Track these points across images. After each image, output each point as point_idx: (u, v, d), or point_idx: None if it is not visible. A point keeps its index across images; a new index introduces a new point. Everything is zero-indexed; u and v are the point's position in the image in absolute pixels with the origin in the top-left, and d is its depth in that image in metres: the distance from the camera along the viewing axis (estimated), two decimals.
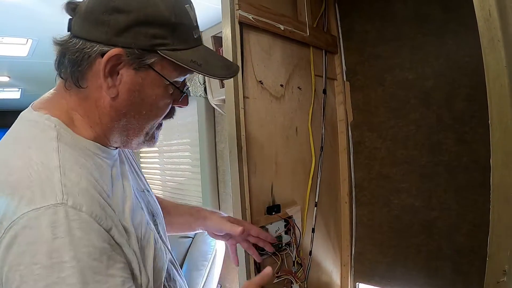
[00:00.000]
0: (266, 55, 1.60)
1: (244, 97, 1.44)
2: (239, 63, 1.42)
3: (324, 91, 1.92)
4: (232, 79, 1.38)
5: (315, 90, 1.85)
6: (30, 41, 2.48)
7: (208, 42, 2.54)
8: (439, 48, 1.80)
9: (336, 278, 1.99)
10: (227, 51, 1.42)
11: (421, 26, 1.84)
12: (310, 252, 1.76)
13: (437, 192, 1.79)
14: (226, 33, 1.43)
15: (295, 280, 1.56)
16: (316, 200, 1.81)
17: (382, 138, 1.99)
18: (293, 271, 1.59)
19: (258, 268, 1.47)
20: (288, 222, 1.63)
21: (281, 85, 1.66)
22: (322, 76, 1.93)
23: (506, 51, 0.84)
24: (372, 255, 2.01)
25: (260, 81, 1.55)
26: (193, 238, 2.86)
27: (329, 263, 1.94)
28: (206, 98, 2.83)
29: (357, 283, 2.07)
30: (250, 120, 1.47)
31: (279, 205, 1.60)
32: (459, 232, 1.72)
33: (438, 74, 1.82)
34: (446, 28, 1.76)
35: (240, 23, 1.44)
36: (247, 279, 1.46)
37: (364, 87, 2.05)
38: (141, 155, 4.27)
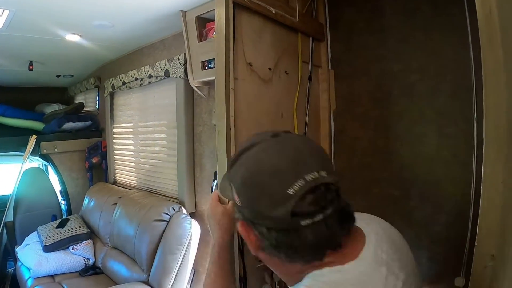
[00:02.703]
0: (257, 37, 1.58)
1: (234, 78, 1.43)
2: (231, 43, 1.40)
3: (310, 78, 1.92)
4: (222, 58, 1.37)
5: (301, 76, 1.85)
6: (6, 12, 2.36)
7: (191, 23, 2.50)
8: (426, 42, 1.82)
9: None
10: (219, 31, 1.39)
11: (409, 20, 1.86)
12: None
13: (417, 183, 1.83)
14: (220, 13, 1.40)
15: None
16: None
17: (364, 128, 2.02)
18: None
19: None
20: None
21: (269, 69, 1.65)
22: (308, 63, 1.93)
23: (503, 48, 0.86)
24: None
25: (249, 63, 1.53)
26: (168, 221, 2.83)
27: None
28: (186, 80, 2.78)
29: None
30: (239, 102, 1.45)
31: None
32: (437, 222, 1.76)
33: (423, 68, 1.85)
34: (434, 23, 1.79)
35: (234, 3, 1.42)
36: None
37: (349, 76, 2.07)
38: (114, 136, 4.19)
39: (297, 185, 0.75)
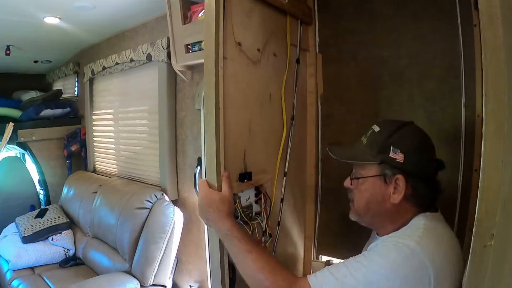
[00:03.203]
0: (246, 17, 1.53)
1: (223, 57, 1.38)
2: (221, 20, 1.35)
3: (298, 61, 1.88)
4: (212, 35, 1.32)
5: (289, 59, 1.81)
6: None
7: (175, 5, 2.44)
8: (416, 30, 1.81)
9: (301, 250, 1.99)
10: (209, 8, 1.34)
11: (400, 8, 1.84)
12: (278, 223, 1.74)
13: None
14: None
15: None
16: (286, 170, 1.78)
17: (352, 112, 1.99)
18: (263, 241, 1.56)
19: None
20: (259, 191, 1.60)
21: (258, 50, 1.61)
22: (296, 46, 1.89)
23: (503, 28, 0.85)
24: (337, 228, 2.02)
25: (238, 43, 1.48)
26: (150, 209, 2.78)
27: (295, 235, 1.93)
28: (169, 64, 2.72)
29: (320, 256, 2.07)
30: (227, 82, 1.40)
31: (250, 173, 1.55)
32: None
33: (412, 54, 1.83)
34: (425, 12, 1.77)
35: None
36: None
37: (337, 60, 2.04)
38: (94, 122, 4.10)
39: (434, 151, 1.25)
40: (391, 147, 1.17)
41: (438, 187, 1.22)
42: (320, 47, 2.06)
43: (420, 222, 1.13)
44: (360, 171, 1.25)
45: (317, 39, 2.05)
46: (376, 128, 1.25)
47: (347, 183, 1.32)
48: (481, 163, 0.89)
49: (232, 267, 1.45)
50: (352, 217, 1.31)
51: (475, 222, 0.89)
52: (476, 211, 0.89)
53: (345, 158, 1.30)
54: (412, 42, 1.83)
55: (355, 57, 1.99)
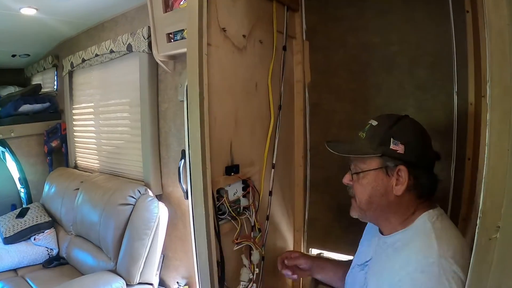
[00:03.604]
0: (231, 1, 1.46)
1: (207, 44, 1.30)
2: (205, 6, 1.28)
3: (284, 48, 1.81)
4: (195, 21, 1.25)
5: (276, 46, 1.74)
6: None
7: None
8: (407, 14, 1.75)
9: (290, 243, 1.94)
10: None
11: None
12: (267, 216, 1.68)
13: None
14: None
15: (255, 247, 1.47)
16: (274, 162, 1.72)
17: (341, 101, 1.94)
18: (253, 237, 1.50)
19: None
20: (247, 184, 1.53)
21: (244, 36, 1.54)
22: (283, 33, 1.82)
23: (508, 9, 0.81)
24: (327, 220, 1.97)
25: (223, 29, 1.41)
26: (134, 205, 2.69)
27: (284, 228, 1.88)
28: (150, 54, 2.63)
29: (309, 249, 2.02)
30: (212, 70, 1.33)
31: (237, 165, 1.49)
32: None
33: (403, 39, 1.78)
34: None
35: None
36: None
37: (325, 47, 1.98)
38: (74, 117, 3.98)
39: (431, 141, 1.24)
40: (392, 139, 1.17)
41: (437, 177, 1.23)
42: (307, 34, 1.99)
43: (427, 226, 1.13)
44: (361, 165, 1.24)
45: (304, 25, 1.99)
46: (374, 123, 1.25)
47: (346, 179, 1.30)
48: (486, 152, 0.83)
49: (221, 265, 1.39)
50: (354, 214, 1.29)
51: (479, 215, 0.83)
52: (481, 203, 0.84)
53: (345, 152, 1.28)
54: (403, 27, 1.78)
55: (343, 44, 1.93)
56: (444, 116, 1.72)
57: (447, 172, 1.70)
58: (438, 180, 1.22)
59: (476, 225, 0.84)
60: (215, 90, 1.34)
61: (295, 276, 1.58)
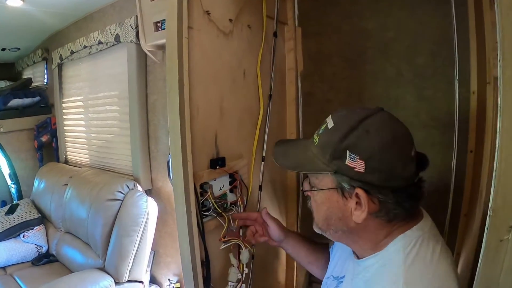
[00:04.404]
0: None
1: (188, 27, 1.20)
2: None
3: (275, 34, 1.71)
4: (175, 3, 1.15)
5: (265, 32, 1.64)
6: None
7: None
8: None
9: None
10: None
11: None
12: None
13: None
14: None
15: (244, 245, 1.37)
16: (264, 154, 1.62)
17: (335, 90, 1.85)
18: (241, 235, 1.41)
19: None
20: (234, 178, 1.44)
21: (230, 20, 1.43)
22: (274, 18, 1.72)
23: None
24: None
25: (207, 11, 1.31)
26: (122, 200, 2.60)
27: None
28: (138, 44, 2.53)
29: None
30: (194, 55, 1.23)
31: (223, 158, 1.39)
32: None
33: (400, 25, 1.70)
34: None
35: None
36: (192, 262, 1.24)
37: (318, 34, 1.89)
38: (64, 111, 3.88)
39: (414, 147, 0.90)
40: (347, 152, 0.87)
41: (419, 192, 0.92)
42: (299, 19, 1.88)
43: (398, 258, 0.89)
44: (313, 180, 0.99)
45: (296, 11, 1.88)
46: (330, 123, 0.94)
47: (306, 187, 1.04)
48: (498, 141, 0.74)
49: (206, 265, 1.30)
50: (315, 229, 1.04)
51: (489, 213, 0.74)
52: (491, 200, 0.74)
53: (290, 166, 1.06)
54: (400, 12, 1.69)
55: (337, 30, 1.84)
56: (445, 106, 1.63)
57: (448, 166, 1.61)
58: (423, 194, 0.93)
59: (485, 224, 0.75)
60: (197, 77, 1.24)
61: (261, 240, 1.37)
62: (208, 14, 1.31)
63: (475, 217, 1.43)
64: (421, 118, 1.67)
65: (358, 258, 1.01)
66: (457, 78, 1.58)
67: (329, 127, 0.93)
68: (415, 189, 0.91)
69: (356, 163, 0.86)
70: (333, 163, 0.90)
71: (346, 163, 0.87)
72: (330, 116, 0.96)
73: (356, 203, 0.89)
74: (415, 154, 0.90)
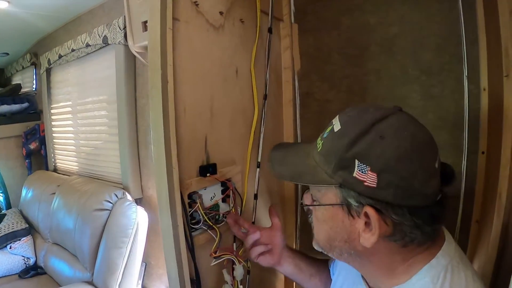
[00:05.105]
0: None
1: (173, 18, 1.08)
2: None
3: (270, 30, 1.59)
4: None
5: (259, 27, 1.52)
6: None
7: None
8: None
9: None
10: None
11: None
12: (253, 223, 1.46)
13: None
14: None
15: (238, 260, 1.25)
16: (259, 160, 1.50)
17: (335, 90, 1.74)
18: (235, 249, 1.28)
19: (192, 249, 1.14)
20: (227, 187, 1.31)
21: (221, 13, 1.32)
22: (268, 13, 1.60)
23: None
24: None
25: (195, 2, 1.19)
26: (110, 210, 2.47)
27: None
28: (126, 46, 2.42)
29: None
30: (181, 50, 1.11)
31: (214, 165, 1.26)
32: None
33: (405, 19, 1.60)
34: None
35: None
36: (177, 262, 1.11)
37: (316, 30, 1.79)
38: (52, 117, 3.77)
39: (438, 157, 0.74)
40: (356, 162, 0.72)
41: (442, 212, 0.75)
42: (296, 15, 1.78)
43: None
44: (315, 193, 0.84)
45: (292, 6, 1.77)
46: (337, 125, 0.78)
47: (307, 200, 0.89)
48: None
49: (196, 283, 1.17)
50: (315, 247, 0.89)
51: None
52: None
53: (287, 176, 0.90)
54: (404, 4, 1.59)
55: (337, 26, 1.74)
56: (453, 104, 1.53)
57: (457, 168, 1.50)
58: (444, 215, 0.75)
59: (505, 233, 0.63)
60: (184, 74, 1.12)
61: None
62: (197, 5, 1.20)
63: (490, 225, 1.32)
64: (428, 118, 1.57)
65: (369, 286, 0.88)
66: (466, 74, 1.48)
67: (335, 130, 0.77)
68: (438, 209, 0.73)
69: (366, 176, 0.70)
70: (338, 174, 0.74)
71: (354, 175, 0.72)
72: (337, 116, 0.81)
73: (365, 223, 0.74)
74: (439, 165, 0.74)
